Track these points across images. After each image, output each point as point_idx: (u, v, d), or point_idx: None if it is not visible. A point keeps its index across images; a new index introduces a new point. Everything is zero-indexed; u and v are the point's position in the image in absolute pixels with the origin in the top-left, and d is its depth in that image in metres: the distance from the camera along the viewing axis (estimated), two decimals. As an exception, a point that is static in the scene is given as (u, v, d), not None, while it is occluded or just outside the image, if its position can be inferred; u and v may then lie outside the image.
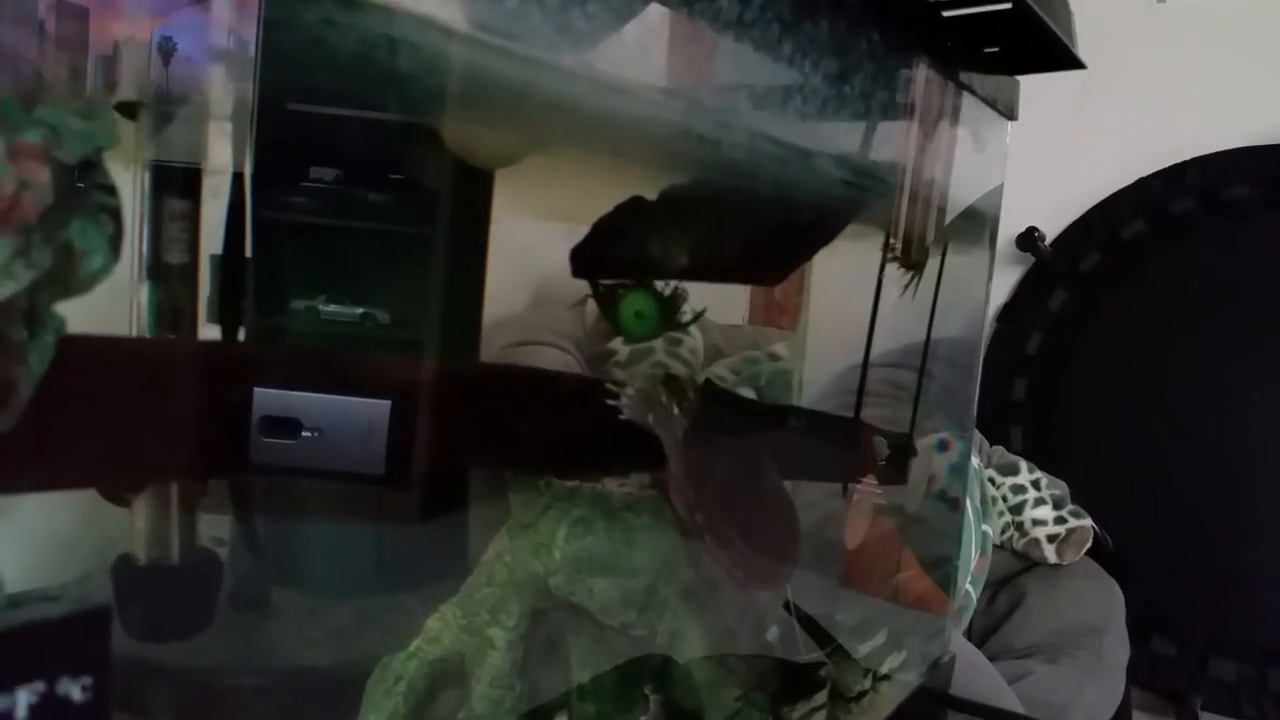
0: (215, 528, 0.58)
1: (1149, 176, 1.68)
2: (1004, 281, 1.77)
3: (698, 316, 0.51)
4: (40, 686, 0.22)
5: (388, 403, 0.53)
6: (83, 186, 0.30)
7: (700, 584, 0.51)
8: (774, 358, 1.06)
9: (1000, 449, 1.40)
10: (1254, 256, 1.59)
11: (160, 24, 0.43)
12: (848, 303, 0.84)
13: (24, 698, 0.22)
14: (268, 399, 0.48)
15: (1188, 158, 1.65)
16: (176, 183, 0.49)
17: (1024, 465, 1.32)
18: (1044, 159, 1.44)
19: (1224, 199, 1.62)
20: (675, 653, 0.51)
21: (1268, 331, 1.57)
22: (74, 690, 0.23)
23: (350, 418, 0.52)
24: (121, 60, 0.41)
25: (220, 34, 0.44)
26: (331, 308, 0.65)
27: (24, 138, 0.27)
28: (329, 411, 0.51)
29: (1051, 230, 1.73)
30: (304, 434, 0.50)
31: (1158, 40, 1.67)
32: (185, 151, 0.50)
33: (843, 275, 0.80)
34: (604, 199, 0.51)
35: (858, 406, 0.77)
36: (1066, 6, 0.67)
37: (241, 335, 0.55)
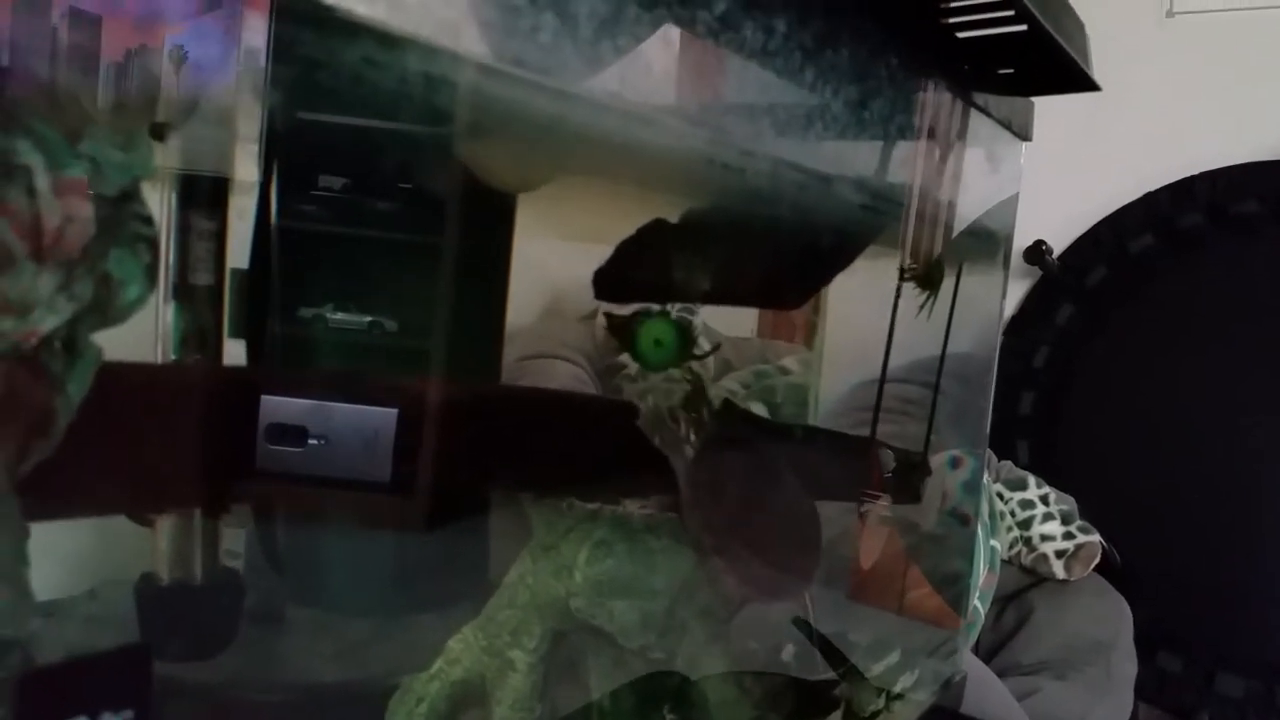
0: (229, 541, 0.59)
1: (1157, 191, 1.68)
2: (1011, 295, 1.76)
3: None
4: (84, 721, 0.22)
5: (394, 411, 0.53)
6: (121, 217, 0.30)
7: (719, 606, 0.52)
8: (784, 371, 1.06)
9: (1008, 464, 1.40)
10: (1262, 272, 1.59)
11: (172, 33, 0.44)
12: (862, 319, 0.84)
13: (70, 732, 0.22)
14: (274, 406, 0.48)
15: (1196, 172, 1.65)
16: (203, 202, 0.49)
17: (1032, 480, 1.32)
18: (1052, 173, 1.44)
19: (1232, 214, 1.62)
20: (694, 675, 0.51)
21: (1276, 347, 1.57)
22: (117, 724, 0.24)
23: (357, 426, 0.52)
24: (134, 70, 0.42)
25: (232, 43, 0.45)
26: (339, 315, 0.65)
27: (68, 173, 0.27)
28: (336, 419, 0.52)
29: (1059, 244, 1.73)
30: (311, 442, 0.50)
31: (1166, 54, 1.67)
32: (211, 168, 0.50)
33: (858, 293, 0.81)
34: (623, 221, 0.51)
35: (874, 423, 0.77)
36: (1081, 28, 0.67)
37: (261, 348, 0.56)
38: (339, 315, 0.65)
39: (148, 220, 0.32)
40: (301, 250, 0.63)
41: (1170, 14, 1.71)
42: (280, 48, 0.47)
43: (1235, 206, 1.62)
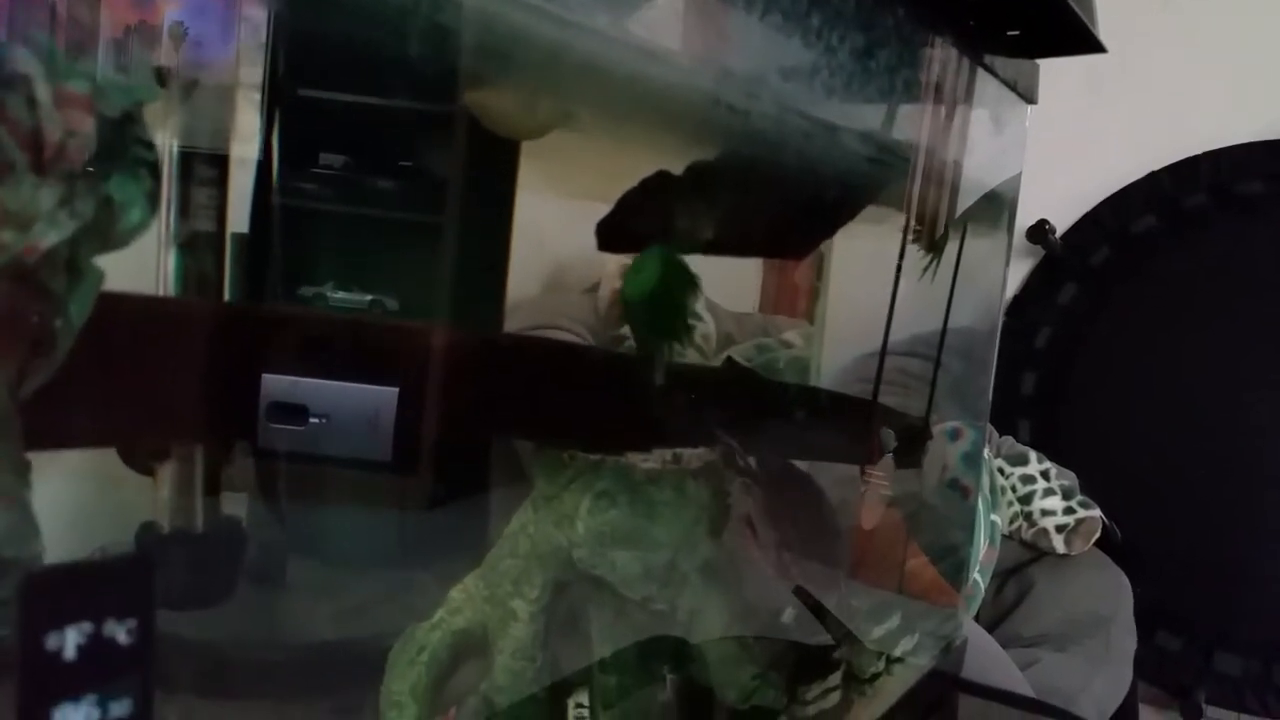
0: (231, 505, 0.58)
1: (1160, 171, 1.67)
2: (1014, 275, 1.76)
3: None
4: (88, 627, 0.22)
5: (395, 390, 0.53)
6: (123, 140, 0.30)
7: (720, 560, 0.51)
8: (787, 345, 1.06)
9: (1010, 439, 1.40)
10: (1265, 252, 1.59)
11: (171, 8, 0.43)
12: (864, 291, 0.84)
13: (72, 637, 0.22)
14: (275, 385, 0.48)
15: (1199, 152, 1.64)
16: (203, 179, 0.49)
17: (1033, 456, 1.32)
18: (1055, 152, 1.43)
19: (1236, 194, 1.62)
20: (694, 628, 0.51)
21: (1275, 325, 1.56)
22: (120, 632, 0.24)
23: (358, 404, 0.52)
24: (133, 46, 0.41)
25: (232, 17, 0.45)
26: (340, 294, 0.65)
27: (69, 86, 0.27)
28: (336, 398, 0.51)
29: (1062, 224, 1.72)
30: (312, 420, 0.50)
31: (1169, 34, 1.66)
32: (211, 145, 0.50)
33: (860, 262, 0.80)
34: (626, 177, 0.51)
35: (875, 394, 0.77)
36: (1089, -10, 0.67)
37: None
38: (340, 294, 0.65)
39: (149, 145, 0.31)
40: (302, 227, 0.63)
41: (1175, -7, 1.70)
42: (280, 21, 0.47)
43: (1239, 186, 1.62)
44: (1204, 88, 1.64)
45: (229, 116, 0.51)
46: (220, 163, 0.50)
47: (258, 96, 0.52)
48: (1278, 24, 1.61)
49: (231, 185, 0.52)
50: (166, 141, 0.46)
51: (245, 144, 0.53)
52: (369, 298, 0.66)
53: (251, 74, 0.50)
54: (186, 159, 0.48)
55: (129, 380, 0.35)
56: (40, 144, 0.25)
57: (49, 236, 0.27)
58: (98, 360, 0.32)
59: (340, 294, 0.65)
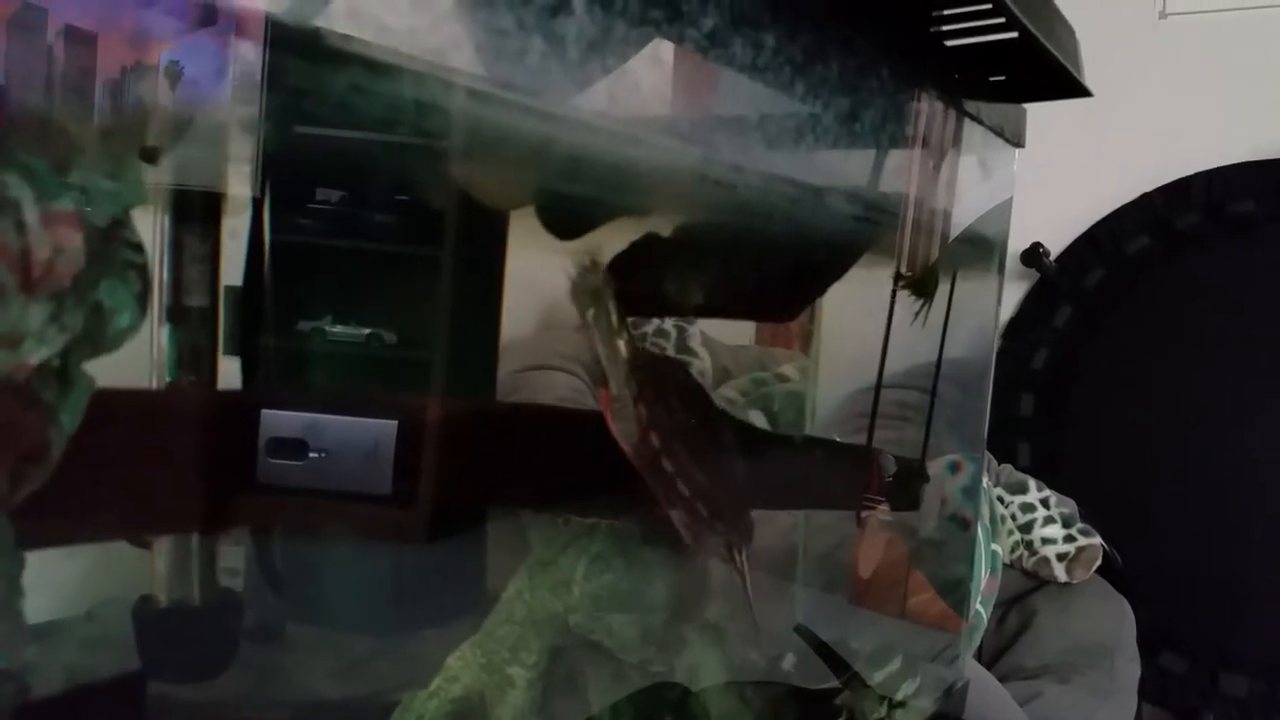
0: (228, 559, 0.59)
1: (1153, 191, 1.68)
2: (1009, 297, 1.77)
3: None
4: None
5: (394, 423, 0.53)
6: (111, 246, 0.30)
7: (719, 617, 0.52)
8: (782, 379, 1.06)
9: (1009, 467, 1.40)
10: (1260, 271, 1.59)
11: (167, 49, 0.44)
12: (858, 327, 0.84)
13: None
14: (275, 420, 0.48)
15: (1191, 172, 1.65)
16: (198, 219, 0.49)
17: (1032, 483, 1.32)
18: (1048, 175, 1.44)
19: (1229, 214, 1.62)
20: (694, 684, 0.51)
21: (1271, 345, 1.57)
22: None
23: (357, 438, 0.52)
24: (129, 88, 0.42)
25: (228, 57, 0.45)
26: (338, 329, 0.65)
27: (57, 205, 0.27)
28: (336, 432, 0.52)
29: (1056, 246, 1.73)
30: (311, 455, 0.50)
31: (1159, 55, 1.67)
32: (207, 184, 0.50)
33: (853, 301, 0.81)
34: (617, 235, 0.51)
35: (870, 430, 0.77)
36: (1072, 34, 0.67)
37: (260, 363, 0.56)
38: (338, 328, 0.65)
39: (138, 248, 0.32)
40: (299, 264, 0.64)
41: (1163, 15, 1.71)
42: (275, 64, 0.47)
43: (1232, 206, 1.63)
44: (1195, 108, 1.65)
45: (223, 155, 0.51)
46: (215, 201, 0.51)
47: (253, 134, 0.52)
48: (1267, 44, 1.62)
49: (227, 224, 0.53)
50: (158, 218, 0.47)
51: (240, 182, 0.54)
52: (366, 332, 0.66)
53: (247, 111, 0.50)
54: (181, 202, 0.48)
55: (122, 476, 0.35)
56: (29, 265, 0.26)
57: (39, 353, 0.27)
58: (91, 460, 0.32)
59: (338, 328, 0.65)
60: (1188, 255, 1.66)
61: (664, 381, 0.47)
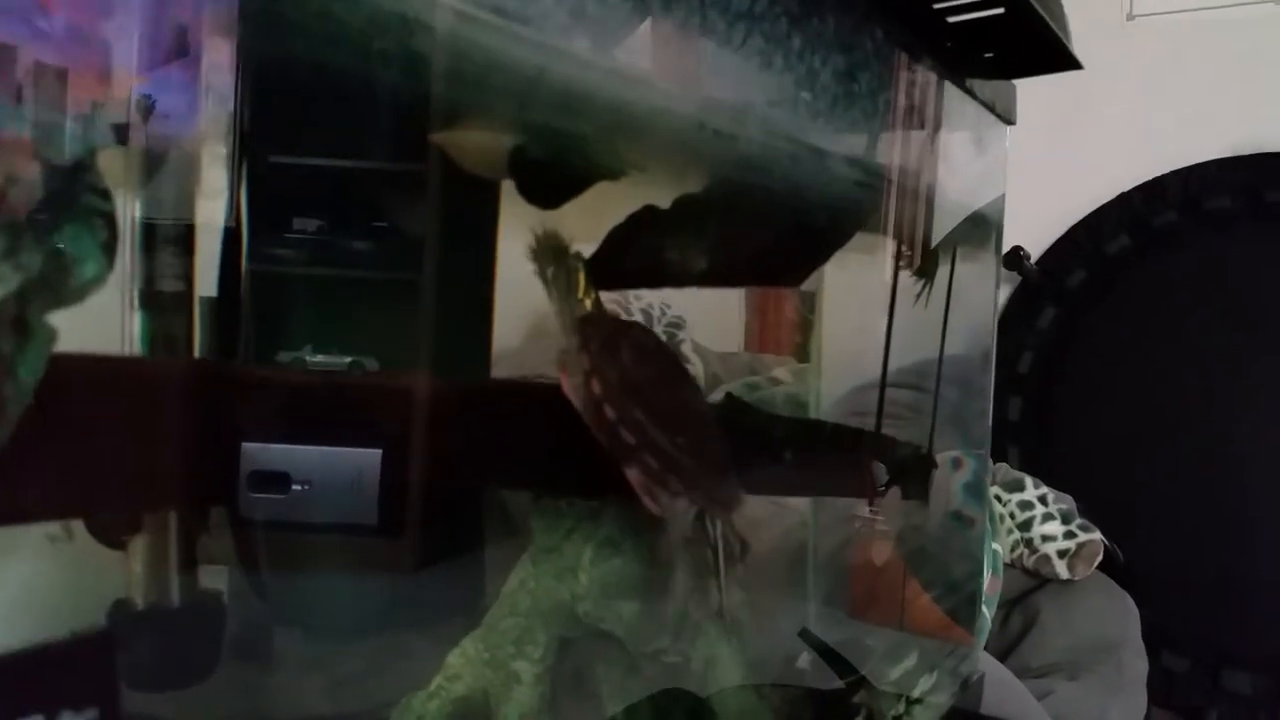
0: (209, 574, 0.55)
1: (1130, 191, 1.69)
2: (993, 301, 1.76)
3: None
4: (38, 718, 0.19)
5: (378, 452, 0.50)
6: (74, 189, 0.28)
7: (735, 605, 0.49)
8: (775, 382, 1.04)
9: (1005, 466, 1.38)
10: (1238, 266, 1.60)
11: (139, 83, 0.42)
12: (856, 323, 0.82)
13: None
14: (256, 453, 0.46)
15: (1168, 170, 1.66)
16: (173, 248, 0.47)
17: (1029, 481, 1.30)
18: (1025, 177, 1.43)
19: (1206, 210, 1.63)
20: (710, 679, 0.48)
21: (1255, 339, 1.57)
22: (81, 726, 0.21)
23: (340, 468, 0.50)
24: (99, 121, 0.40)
25: (199, 90, 0.43)
26: (319, 357, 0.63)
27: (9, 130, 0.24)
28: (318, 463, 0.49)
29: (1036, 249, 1.73)
30: (294, 488, 0.48)
31: (1129, 56, 1.69)
32: (180, 215, 0.48)
33: (852, 294, 0.79)
34: (611, 216, 0.49)
35: (878, 426, 0.75)
36: (1061, 8, 0.67)
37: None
38: (319, 357, 0.63)
39: (104, 194, 0.29)
40: (277, 291, 0.62)
41: (1130, 17, 1.73)
42: (248, 90, 0.45)
43: (1209, 203, 1.64)
44: (1166, 107, 1.66)
45: (197, 186, 0.49)
46: (189, 232, 0.49)
47: (227, 164, 0.50)
48: (1233, 44, 1.64)
49: (202, 253, 0.51)
50: (129, 200, 0.44)
51: (214, 210, 0.52)
52: (348, 359, 0.64)
53: (220, 142, 0.48)
54: (157, 229, 0.47)
55: (89, 447, 0.32)
56: (-19, 189, 0.23)
57: (-6, 289, 0.24)
58: (54, 426, 0.29)
59: (319, 357, 0.63)
60: (1167, 253, 1.66)
61: (616, 333, 0.44)
